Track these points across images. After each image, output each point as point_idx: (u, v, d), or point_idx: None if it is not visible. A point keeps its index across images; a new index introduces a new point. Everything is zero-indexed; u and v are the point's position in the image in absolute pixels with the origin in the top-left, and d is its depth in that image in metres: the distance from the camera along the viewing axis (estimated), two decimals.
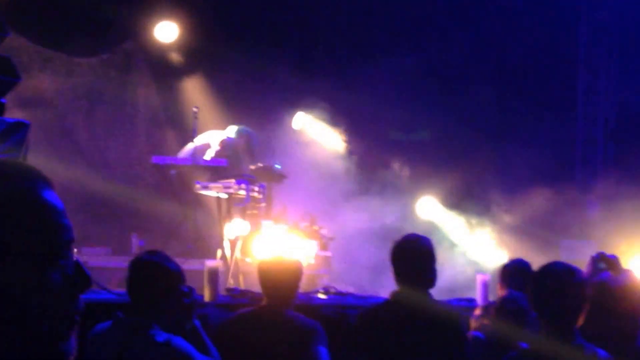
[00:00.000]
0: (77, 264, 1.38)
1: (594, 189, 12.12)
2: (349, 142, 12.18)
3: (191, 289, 3.87)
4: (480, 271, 8.03)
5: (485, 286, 6.68)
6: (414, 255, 4.35)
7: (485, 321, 4.87)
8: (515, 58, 12.52)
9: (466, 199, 11.96)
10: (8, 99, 6.94)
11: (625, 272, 5.82)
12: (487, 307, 5.08)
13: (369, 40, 12.28)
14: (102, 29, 10.63)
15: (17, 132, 6.47)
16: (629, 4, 12.52)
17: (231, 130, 10.04)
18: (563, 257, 9.08)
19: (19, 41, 9.98)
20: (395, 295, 4.39)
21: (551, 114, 11.99)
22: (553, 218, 11.28)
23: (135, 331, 3.65)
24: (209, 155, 9.70)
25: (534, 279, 3.48)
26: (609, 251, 6.42)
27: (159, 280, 3.74)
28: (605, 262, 6.23)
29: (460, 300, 6.56)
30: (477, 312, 5.21)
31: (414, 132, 11.92)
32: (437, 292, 4.56)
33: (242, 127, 10.10)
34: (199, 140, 9.78)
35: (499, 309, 4.68)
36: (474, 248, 11.83)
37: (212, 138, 10.01)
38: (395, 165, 12.11)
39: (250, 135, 10.12)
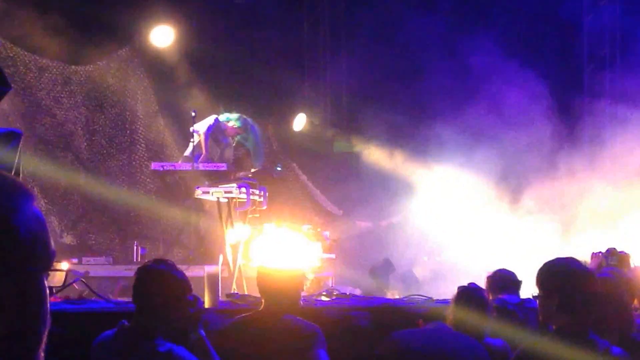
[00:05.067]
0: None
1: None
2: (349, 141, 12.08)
3: (197, 299, 3.88)
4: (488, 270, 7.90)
5: None
6: None
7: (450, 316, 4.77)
8: None
9: (472, 196, 11.81)
10: (5, 109, 6.87)
11: (634, 268, 5.89)
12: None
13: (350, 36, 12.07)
14: (98, 36, 10.53)
15: (10, 141, 6.39)
16: None
17: (223, 116, 9.76)
18: (572, 251, 8.97)
19: (15, 50, 9.88)
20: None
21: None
22: (560, 210, 11.15)
23: (139, 340, 3.65)
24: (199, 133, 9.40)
25: (544, 276, 3.42)
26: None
27: (164, 289, 3.73)
28: (616, 257, 6.23)
29: None
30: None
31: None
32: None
33: (237, 114, 9.81)
34: (195, 138, 9.61)
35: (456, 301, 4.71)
36: (483, 247, 11.66)
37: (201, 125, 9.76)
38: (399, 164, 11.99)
39: (251, 127, 9.83)
